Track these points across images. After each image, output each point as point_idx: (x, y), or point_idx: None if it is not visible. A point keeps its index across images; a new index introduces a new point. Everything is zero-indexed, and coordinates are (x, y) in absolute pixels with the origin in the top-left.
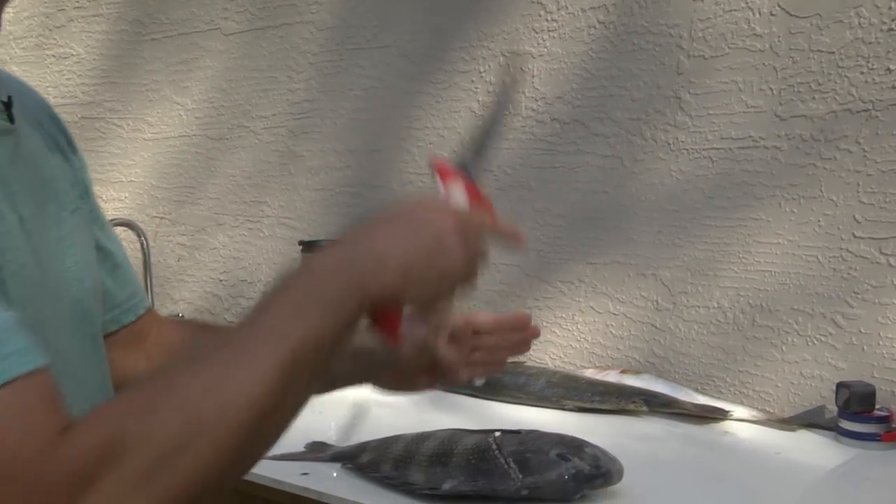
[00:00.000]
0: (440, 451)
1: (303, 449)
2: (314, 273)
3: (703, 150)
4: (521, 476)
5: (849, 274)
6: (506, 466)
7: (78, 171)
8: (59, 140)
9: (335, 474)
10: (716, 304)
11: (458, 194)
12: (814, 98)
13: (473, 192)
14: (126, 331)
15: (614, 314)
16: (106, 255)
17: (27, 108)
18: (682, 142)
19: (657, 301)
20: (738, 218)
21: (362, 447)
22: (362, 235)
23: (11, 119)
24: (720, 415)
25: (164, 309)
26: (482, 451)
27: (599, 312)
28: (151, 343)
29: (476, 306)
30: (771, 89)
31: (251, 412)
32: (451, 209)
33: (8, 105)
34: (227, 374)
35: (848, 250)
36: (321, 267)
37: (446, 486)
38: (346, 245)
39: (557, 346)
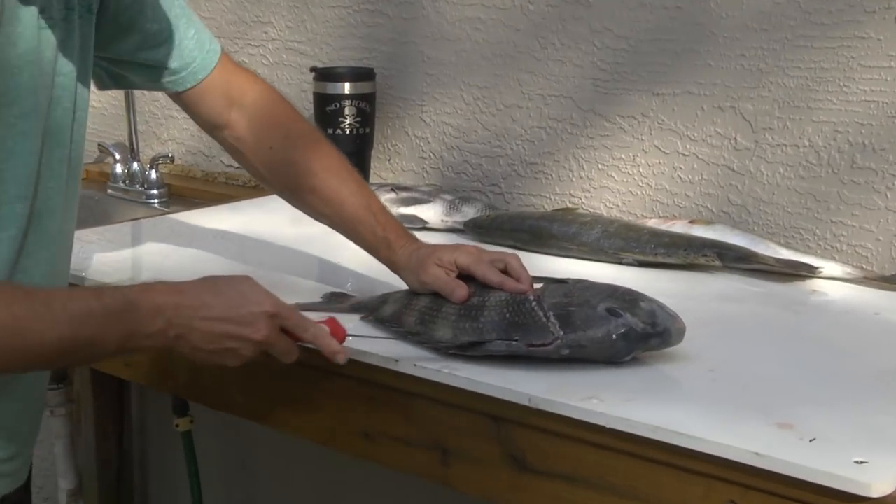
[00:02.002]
0: (471, 303)
1: (319, 299)
2: (137, 307)
3: None
4: (561, 333)
5: None
6: (544, 321)
7: None
8: None
9: (350, 326)
10: (807, 143)
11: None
12: None
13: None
14: (192, 92)
15: (684, 155)
16: (149, 37)
17: None
18: None
19: (736, 139)
20: (841, 37)
21: (384, 299)
22: (191, 295)
23: None
24: (807, 271)
25: (150, 150)
26: (518, 303)
27: (666, 153)
28: (232, 97)
29: (519, 145)
30: None
31: (28, 360)
32: (278, 300)
33: None
34: (31, 331)
35: None
36: (144, 305)
37: (468, 342)
38: (170, 296)
39: (615, 193)
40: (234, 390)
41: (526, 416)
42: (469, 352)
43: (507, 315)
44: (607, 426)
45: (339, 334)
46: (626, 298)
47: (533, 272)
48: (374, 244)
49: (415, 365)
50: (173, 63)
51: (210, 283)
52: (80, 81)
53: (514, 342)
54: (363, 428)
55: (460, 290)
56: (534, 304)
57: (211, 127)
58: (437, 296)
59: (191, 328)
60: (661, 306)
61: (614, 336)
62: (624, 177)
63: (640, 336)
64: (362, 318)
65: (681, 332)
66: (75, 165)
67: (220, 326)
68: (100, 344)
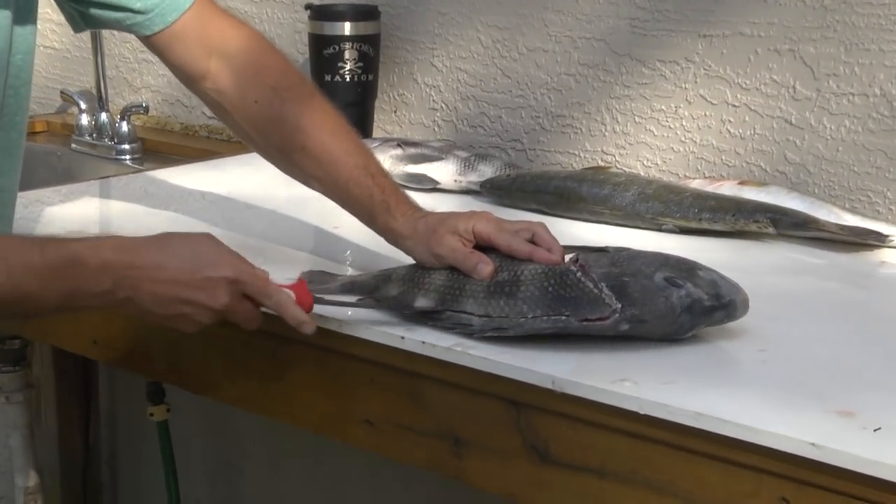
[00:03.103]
0: (500, 278)
1: (297, 278)
2: (83, 264)
3: None
4: (618, 305)
5: None
6: (597, 292)
7: None
8: None
9: (350, 312)
10: (878, 91)
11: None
12: None
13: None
14: (162, 36)
15: (734, 105)
16: None
17: None
18: None
19: (794, 87)
20: None
21: (385, 276)
22: (142, 254)
23: None
24: (876, 239)
25: (121, 99)
26: (560, 274)
27: (713, 103)
28: (212, 43)
29: (544, 94)
30: None
31: None
32: (239, 263)
33: None
34: None
35: None
36: (91, 262)
37: (515, 323)
38: (120, 254)
39: (654, 149)
40: (217, 373)
41: (549, 400)
42: (509, 332)
43: (551, 289)
44: (642, 412)
45: (306, 302)
46: (682, 267)
47: (561, 240)
48: (370, 209)
49: (423, 342)
50: (137, 3)
51: (165, 241)
52: (19, 21)
53: (563, 317)
54: (364, 414)
55: (485, 265)
56: (579, 274)
57: (188, 78)
58: (454, 270)
59: (141, 290)
60: (721, 276)
61: (678, 309)
62: (664, 131)
63: (705, 309)
64: (360, 301)
65: (745, 304)
66: (13, 113)
67: (173, 290)
68: (39, 299)
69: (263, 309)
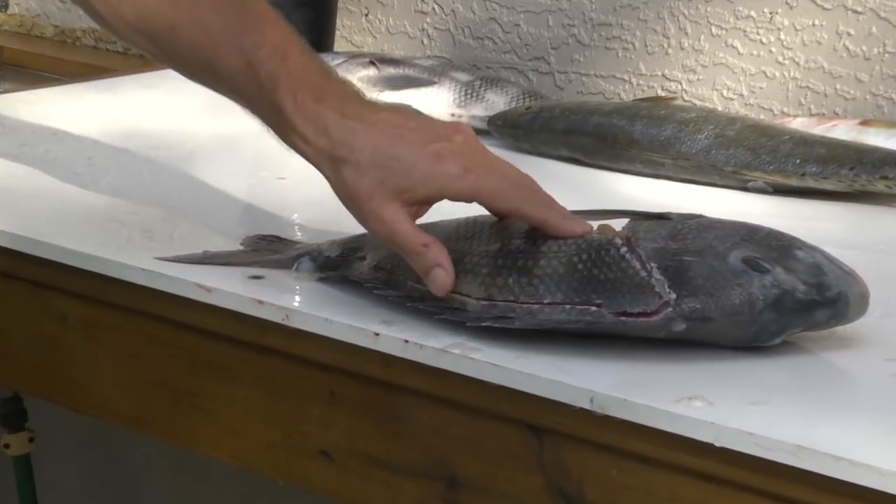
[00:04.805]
0: (515, 248)
1: (238, 247)
2: None
3: None
4: (672, 296)
5: None
6: (644, 276)
7: None
8: None
9: (297, 287)
10: None
11: None
12: None
13: None
14: None
15: (855, 11)
16: None
17: None
18: None
19: None
20: None
21: (353, 245)
22: None
23: None
24: None
25: None
26: (598, 248)
27: (826, 8)
28: None
29: None
30: None
31: None
32: None
33: None
34: None
35: None
36: None
37: (525, 311)
38: None
39: (738, 73)
40: (108, 382)
41: (585, 426)
42: (515, 324)
43: (581, 266)
44: (718, 444)
45: None
46: (773, 244)
47: (605, 201)
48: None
49: (405, 341)
50: None
51: None
52: None
53: (593, 308)
54: (321, 444)
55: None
56: (623, 249)
57: None
58: (449, 236)
59: None
60: (829, 258)
61: (760, 304)
62: (753, 48)
63: (801, 305)
64: (321, 279)
65: (862, 301)
66: None
67: None
68: None
69: None
